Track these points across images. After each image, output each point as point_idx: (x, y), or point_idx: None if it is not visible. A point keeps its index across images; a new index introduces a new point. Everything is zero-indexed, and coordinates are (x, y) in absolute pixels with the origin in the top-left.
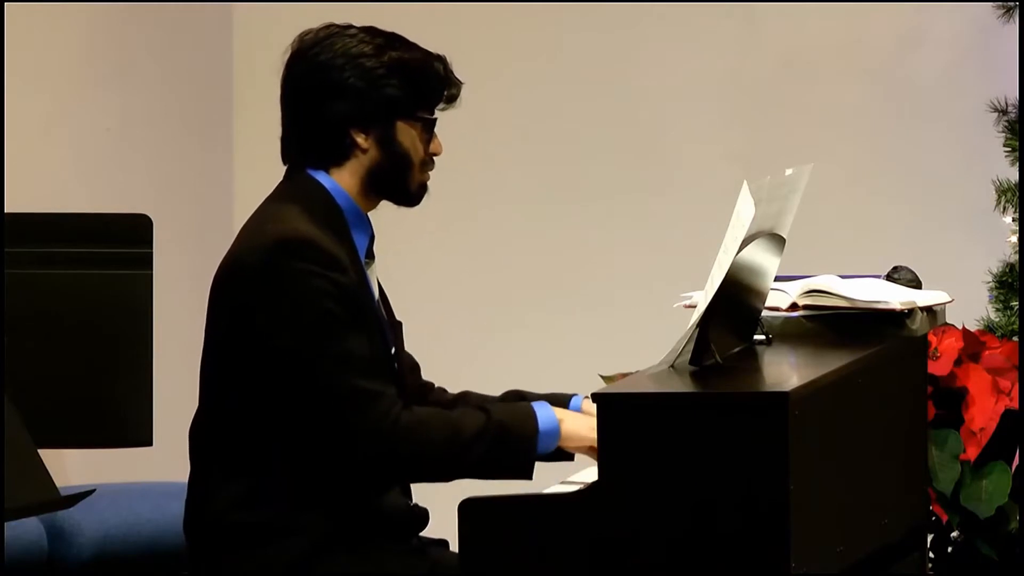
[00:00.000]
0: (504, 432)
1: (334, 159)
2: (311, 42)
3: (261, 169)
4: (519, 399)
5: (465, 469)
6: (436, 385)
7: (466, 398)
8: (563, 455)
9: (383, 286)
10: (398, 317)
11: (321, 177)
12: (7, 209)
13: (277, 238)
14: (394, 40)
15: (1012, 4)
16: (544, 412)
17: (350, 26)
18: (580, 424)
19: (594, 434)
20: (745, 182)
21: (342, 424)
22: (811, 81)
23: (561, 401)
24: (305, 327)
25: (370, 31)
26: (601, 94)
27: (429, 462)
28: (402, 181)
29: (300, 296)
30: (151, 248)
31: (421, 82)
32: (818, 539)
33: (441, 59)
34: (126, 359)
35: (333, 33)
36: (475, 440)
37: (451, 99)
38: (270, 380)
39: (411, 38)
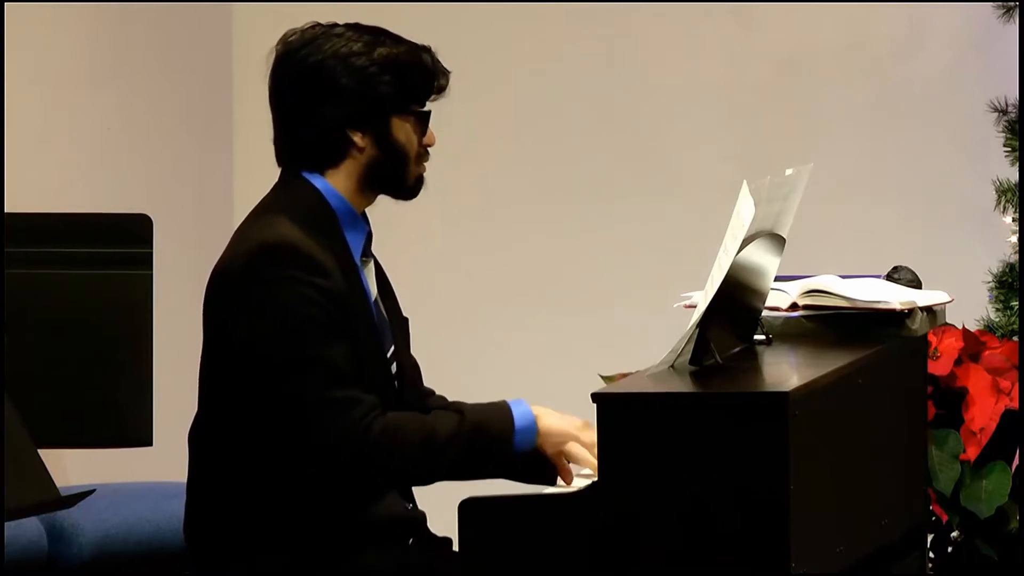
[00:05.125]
0: (479, 432)
1: (330, 161)
2: (298, 43)
3: (261, 169)
4: None
5: (442, 471)
6: (436, 392)
7: (459, 407)
8: (541, 475)
9: (390, 282)
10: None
11: (315, 179)
12: (7, 209)
13: (260, 244)
14: (381, 36)
15: (1012, 4)
16: (520, 409)
17: (335, 24)
18: (557, 420)
19: (572, 427)
20: (745, 182)
21: (317, 432)
22: (811, 82)
23: None
24: (285, 335)
25: (356, 28)
26: (601, 96)
27: (405, 466)
28: (400, 176)
29: (281, 302)
30: (151, 248)
31: (412, 76)
32: (818, 539)
33: (427, 50)
34: (126, 359)
35: (320, 34)
36: (449, 442)
37: (440, 89)
38: (257, 386)
39: (412, 39)
